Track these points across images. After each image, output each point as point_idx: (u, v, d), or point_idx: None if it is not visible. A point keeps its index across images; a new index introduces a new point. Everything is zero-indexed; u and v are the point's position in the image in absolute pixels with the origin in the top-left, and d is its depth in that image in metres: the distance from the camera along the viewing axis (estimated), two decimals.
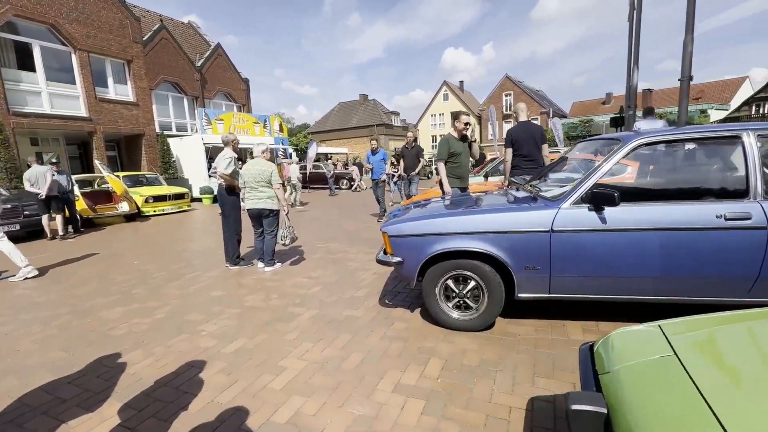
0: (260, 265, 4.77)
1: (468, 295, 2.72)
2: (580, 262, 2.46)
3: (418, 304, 3.30)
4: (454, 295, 2.75)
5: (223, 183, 4.67)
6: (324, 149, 30.92)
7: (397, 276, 3.16)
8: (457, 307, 2.78)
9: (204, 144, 14.31)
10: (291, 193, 12.44)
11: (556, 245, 2.46)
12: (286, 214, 4.67)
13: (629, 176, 5.14)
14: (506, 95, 44.38)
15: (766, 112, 38.15)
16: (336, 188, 18.01)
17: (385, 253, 2.92)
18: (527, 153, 4.48)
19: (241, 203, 4.73)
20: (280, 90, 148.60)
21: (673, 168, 2.82)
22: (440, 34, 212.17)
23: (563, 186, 2.95)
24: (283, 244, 4.68)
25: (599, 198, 2.31)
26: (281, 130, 18.98)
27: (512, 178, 4.60)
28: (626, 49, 10.07)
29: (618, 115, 13.95)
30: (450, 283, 2.75)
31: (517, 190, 3.35)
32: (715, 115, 37.42)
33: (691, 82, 6.85)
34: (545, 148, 4.52)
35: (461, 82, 49.96)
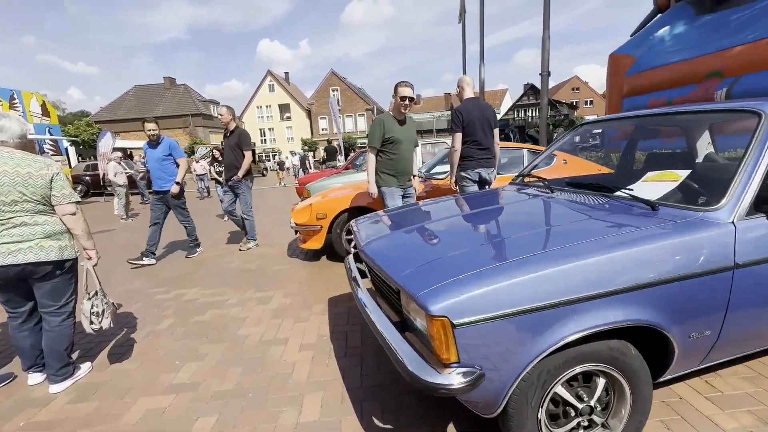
0: (37, 379, 2.21)
1: (596, 405, 1.40)
2: (762, 311, 1.47)
3: (437, 408, 1.77)
4: (571, 412, 1.38)
5: None
6: (121, 143, 23.88)
7: (464, 403, 1.32)
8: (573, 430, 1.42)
9: None
10: (119, 203, 8.70)
11: (739, 289, 1.39)
12: (94, 266, 2.24)
13: (555, 168, 4.81)
14: (333, 90, 44.61)
15: (522, 116, 50.39)
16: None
17: (434, 357, 1.27)
18: (481, 140, 3.44)
19: None
20: (34, 65, 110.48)
21: None
22: (253, 23, 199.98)
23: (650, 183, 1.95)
24: (94, 330, 2.23)
25: None
26: (46, 113, 13.06)
27: (463, 173, 3.51)
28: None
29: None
30: (561, 390, 1.36)
31: (536, 195, 2.19)
32: None
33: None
34: (497, 134, 3.58)
35: (286, 74, 47.60)
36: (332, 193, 4.62)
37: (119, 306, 3.36)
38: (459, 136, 3.39)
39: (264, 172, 30.05)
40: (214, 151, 12.66)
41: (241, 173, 4.69)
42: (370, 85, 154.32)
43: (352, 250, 4.21)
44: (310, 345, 2.48)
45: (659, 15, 7.96)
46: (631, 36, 8.66)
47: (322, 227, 4.14)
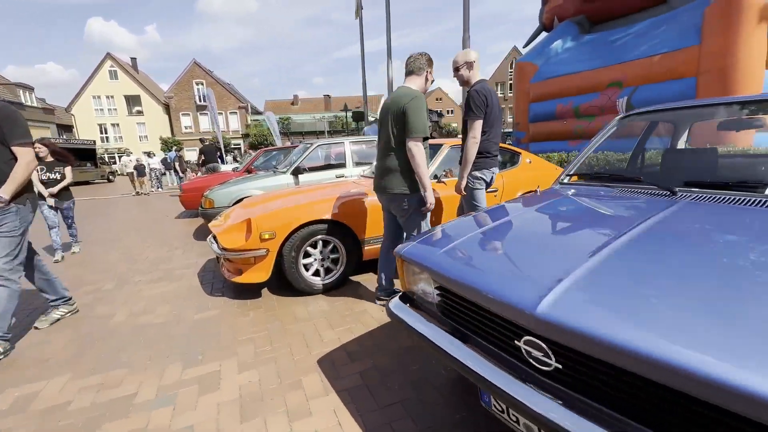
0: None
1: None
2: None
3: None
4: None
5: None
6: None
7: None
8: None
9: None
10: None
11: None
12: None
13: (521, 168, 4.52)
14: (197, 83, 39.27)
15: None
16: None
17: None
18: (498, 132, 2.82)
19: None
20: None
21: None
22: None
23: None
24: None
25: None
26: None
27: (478, 173, 2.83)
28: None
29: (359, 110, 14.73)
30: None
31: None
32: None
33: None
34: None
35: (134, 60, 39.94)
36: (273, 202, 3.42)
37: None
38: (481, 123, 2.66)
39: (110, 177, 24.35)
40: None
41: (7, 191, 2.28)
42: (239, 83, 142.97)
43: (317, 283, 3.05)
44: None
45: (544, 33, 8.74)
46: (523, 47, 9.31)
47: (269, 251, 2.95)
